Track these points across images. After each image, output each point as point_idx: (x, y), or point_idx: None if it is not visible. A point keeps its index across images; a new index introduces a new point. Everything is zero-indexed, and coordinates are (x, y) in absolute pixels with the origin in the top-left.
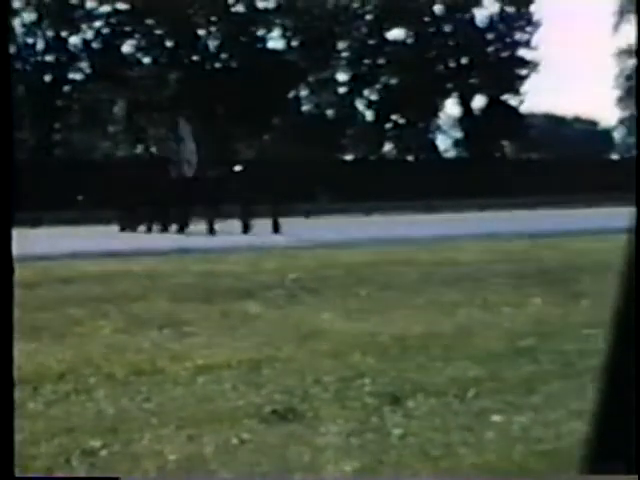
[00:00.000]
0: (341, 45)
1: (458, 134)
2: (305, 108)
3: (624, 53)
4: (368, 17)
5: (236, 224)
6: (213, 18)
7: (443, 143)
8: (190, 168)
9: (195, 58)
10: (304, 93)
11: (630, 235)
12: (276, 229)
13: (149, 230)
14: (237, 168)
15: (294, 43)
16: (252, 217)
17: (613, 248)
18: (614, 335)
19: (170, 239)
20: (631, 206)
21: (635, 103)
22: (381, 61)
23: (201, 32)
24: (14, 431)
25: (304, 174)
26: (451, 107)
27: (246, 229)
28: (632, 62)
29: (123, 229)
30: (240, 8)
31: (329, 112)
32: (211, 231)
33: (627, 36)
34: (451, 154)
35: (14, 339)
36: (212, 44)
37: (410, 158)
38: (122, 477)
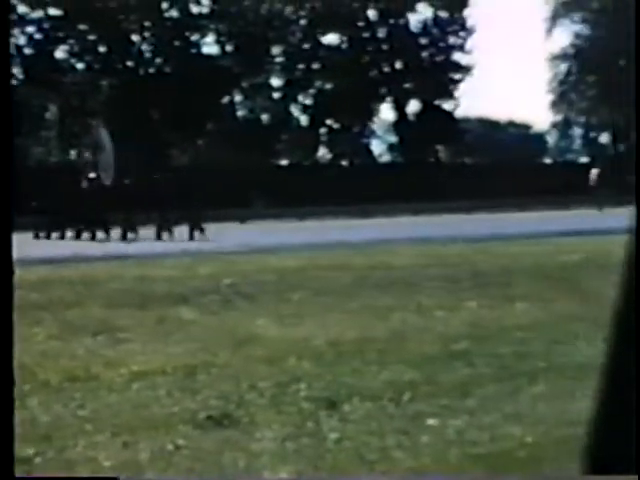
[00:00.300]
0: (275, 50)
1: (393, 139)
2: (239, 113)
3: (557, 58)
4: (302, 22)
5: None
6: (147, 23)
7: (378, 148)
8: (107, 175)
9: (129, 63)
10: (238, 98)
11: (630, 235)
12: (193, 235)
13: (78, 237)
14: (155, 176)
15: (228, 48)
16: (173, 223)
17: (546, 252)
18: (614, 335)
19: (101, 245)
20: (563, 209)
21: (634, 104)
22: (315, 66)
23: (135, 37)
24: (14, 431)
25: (239, 179)
26: (386, 112)
27: (169, 234)
28: (564, 66)
29: (37, 236)
30: (174, 13)
31: (264, 117)
32: (124, 237)
33: (559, 41)
34: (386, 159)
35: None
36: (146, 49)
37: (345, 163)
38: (121, 477)
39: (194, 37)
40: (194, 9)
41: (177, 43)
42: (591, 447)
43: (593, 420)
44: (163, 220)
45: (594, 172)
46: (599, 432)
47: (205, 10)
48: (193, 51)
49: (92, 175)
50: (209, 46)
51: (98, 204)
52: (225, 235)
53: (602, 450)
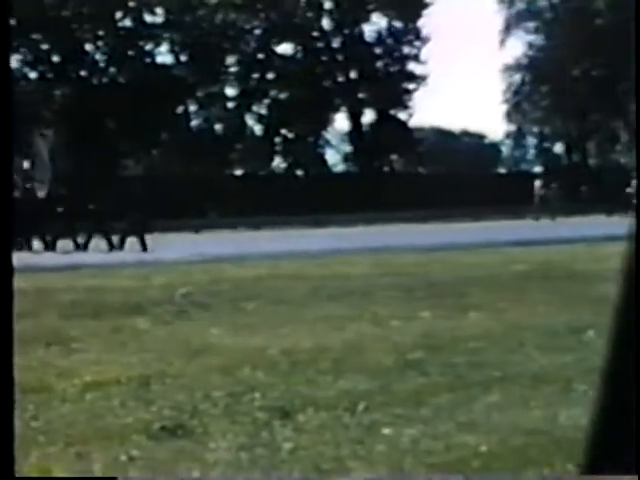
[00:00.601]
0: (230, 60)
1: (347, 148)
2: (194, 123)
3: (510, 68)
4: (257, 32)
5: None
6: (100, 32)
7: (332, 157)
8: (42, 186)
9: (82, 73)
10: (193, 108)
11: (630, 241)
12: (144, 247)
13: (30, 248)
14: (97, 187)
15: (183, 58)
16: (109, 234)
17: (500, 261)
18: (614, 338)
19: (54, 256)
20: (517, 219)
21: (635, 106)
22: (270, 76)
23: (88, 47)
24: (14, 431)
25: (193, 189)
26: (340, 121)
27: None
28: (518, 77)
29: None
30: (128, 22)
31: (218, 127)
32: (49, 247)
33: (513, 51)
34: (340, 168)
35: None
36: (100, 59)
37: (300, 172)
38: (121, 477)
39: (148, 46)
40: (148, 18)
41: (131, 52)
42: (591, 447)
43: (593, 420)
44: (99, 230)
45: (537, 183)
46: (599, 432)
47: (159, 19)
48: (147, 61)
49: (27, 185)
50: (163, 56)
51: (27, 215)
52: (180, 245)
53: (602, 450)
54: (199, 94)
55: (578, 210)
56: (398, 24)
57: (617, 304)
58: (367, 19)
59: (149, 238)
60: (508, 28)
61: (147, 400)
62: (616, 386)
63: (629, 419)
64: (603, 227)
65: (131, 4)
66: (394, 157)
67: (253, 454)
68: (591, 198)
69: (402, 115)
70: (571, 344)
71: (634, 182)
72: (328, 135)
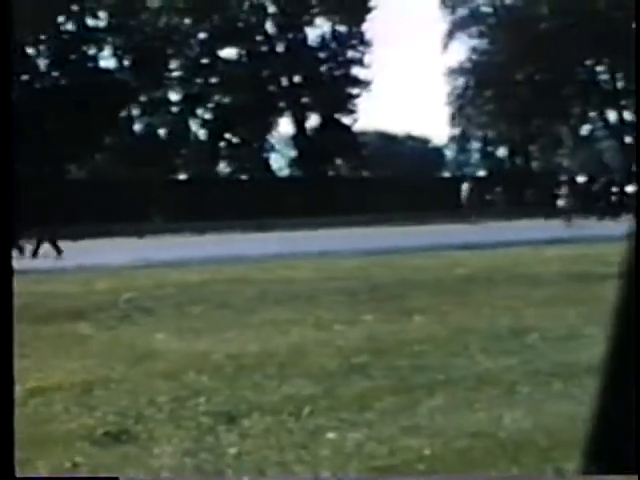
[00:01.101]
0: (173, 64)
1: (292, 153)
2: (137, 128)
3: (454, 72)
4: (200, 36)
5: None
6: (42, 36)
7: (277, 162)
8: None
9: (24, 77)
10: (136, 112)
11: (630, 240)
12: (58, 251)
13: None
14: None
15: (126, 62)
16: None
17: (444, 265)
18: (614, 337)
19: None
20: (462, 224)
21: (635, 106)
22: (214, 80)
23: (30, 51)
24: (14, 431)
25: (137, 194)
26: (285, 126)
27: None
28: (462, 81)
29: None
30: (70, 26)
31: (162, 132)
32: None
33: (457, 55)
34: (285, 173)
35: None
36: (41, 63)
37: (244, 177)
38: (121, 477)
39: (91, 51)
40: (90, 22)
41: (73, 57)
42: (591, 447)
43: (593, 420)
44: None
45: (465, 186)
46: (599, 432)
47: (102, 23)
48: (90, 65)
49: None
50: (106, 60)
51: None
52: (124, 250)
53: (602, 450)
54: (142, 98)
55: (522, 213)
56: (342, 28)
57: (617, 304)
58: (311, 23)
59: (94, 243)
60: (451, 32)
61: (90, 406)
62: (616, 386)
63: (629, 419)
64: (546, 230)
65: (74, 8)
66: (339, 161)
67: (198, 459)
68: (534, 201)
69: (346, 119)
70: (514, 347)
71: (564, 187)
72: (272, 139)
